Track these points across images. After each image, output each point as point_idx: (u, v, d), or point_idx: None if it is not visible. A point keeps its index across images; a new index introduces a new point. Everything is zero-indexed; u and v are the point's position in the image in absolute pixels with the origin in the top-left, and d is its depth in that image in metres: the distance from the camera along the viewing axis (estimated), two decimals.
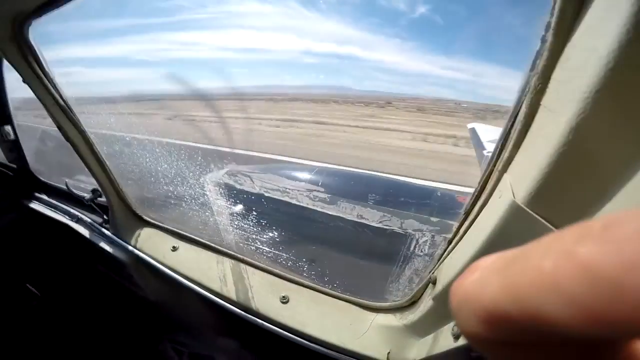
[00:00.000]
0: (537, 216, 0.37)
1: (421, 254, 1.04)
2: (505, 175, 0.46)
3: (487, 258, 0.14)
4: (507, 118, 0.48)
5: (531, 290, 0.11)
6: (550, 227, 0.36)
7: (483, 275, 0.13)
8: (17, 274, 1.87)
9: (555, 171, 0.35)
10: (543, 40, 0.38)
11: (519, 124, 0.43)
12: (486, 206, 0.49)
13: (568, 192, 0.35)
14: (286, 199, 1.68)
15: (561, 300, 0.10)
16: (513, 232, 0.40)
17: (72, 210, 1.52)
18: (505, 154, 0.46)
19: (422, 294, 0.76)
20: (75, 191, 1.46)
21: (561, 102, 0.36)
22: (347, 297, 0.92)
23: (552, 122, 0.37)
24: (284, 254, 1.19)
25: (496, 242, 0.43)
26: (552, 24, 0.36)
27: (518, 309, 0.11)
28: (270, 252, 1.21)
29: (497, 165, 0.48)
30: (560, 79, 0.37)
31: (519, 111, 0.43)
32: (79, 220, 1.48)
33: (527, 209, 0.38)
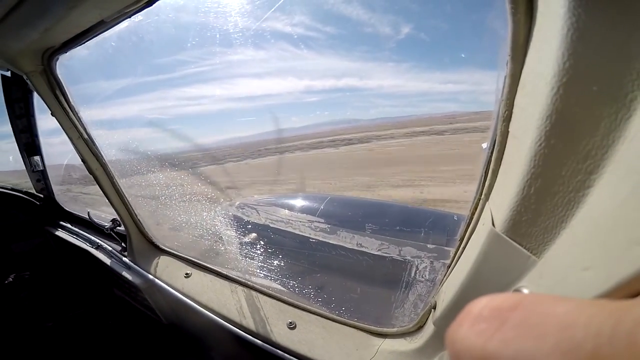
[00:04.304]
0: (513, 242, 0.39)
1: (423, 279, 1.06)
2: (487, 203, 0.48)
3: (477, 303, 0.15)
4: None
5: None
6: (527, 253, 0.38)
7: (475, 326, 0.14)
8: (38, 295, 1.95)
9: (525, 198, 0.36)
10: (507, 65, 0.39)
11: (495, 152, 0.45)
12: (473, 234, 0.52)
13: (538, 218, 0.36)
14: (289, 229, 1.74)
15: None
16: (493, 259, 0.43)
17: (93, 238, 1.60)
18: (487, 182, 0.48)
19: (427, 319, 0.77)
20: (96, 220, 1.54)
21: (523, 129, 0.37)
22: (353, 322, 0.93)
23: (518, 149, 0.38)
24: (290, 281, 1.21)
25: (481, 270, 0.45)
26: (509, 49, 0.37)
27: None
28: (278, 279, 1.24)
29: (481, 194, 0.51)
30: (521, 105, 0.38)
31: (495, 139, 0.45)
32: (98, 247, 1.55)
33: (505, 236, 0.40)
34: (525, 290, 0.33)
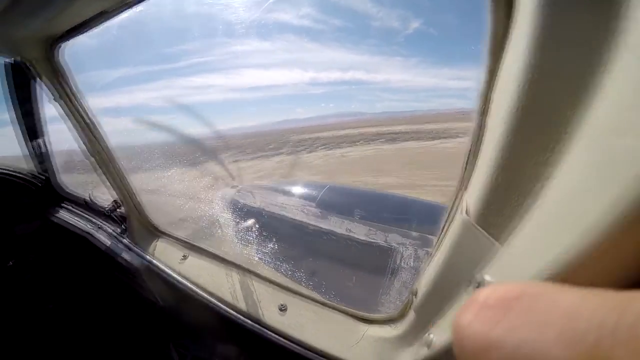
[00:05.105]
0: (482, 231, 0.41)
1: (406, 266, 1.08)
2: (465, 194, 0.50)
3: (484, 291, 0.15)
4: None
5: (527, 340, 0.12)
6: (493, 241, 0.39)
7: (480, 314, 0.14)
8: (38, 278, 2.00)
9: (493, 188, 0.38)
10: (486, 60, 0.40)
11: (473, 144, 0.47)
12: (452, 223, 0.54)
13: (504, 207, 0.37)
14: (285, 214, 1.77)
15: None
16: (464, 247, 0.44)
17: (93, 220, 1.64)
18: (465, 173, 0.50)
19: (410, 306, 0.79)
20: (97, 202, 1.57)
21: (496, 123, 0.39)
22: (341, 307, 0.95)
23: (491, 141, 0.40)
24: (283, 265, 1.25)
25: (453, 259, 0.47)
26: (488, 44, 0.39)
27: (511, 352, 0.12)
28: (271, 262, 1.27)
29: (461, 184, 0.53)
30: (496, 100, 0.40)
31: (475, 132, 0.46)
32: (99, 229, 1.59)
33: (476, 226, 0.42)
34: (487, 278, 0.34)
